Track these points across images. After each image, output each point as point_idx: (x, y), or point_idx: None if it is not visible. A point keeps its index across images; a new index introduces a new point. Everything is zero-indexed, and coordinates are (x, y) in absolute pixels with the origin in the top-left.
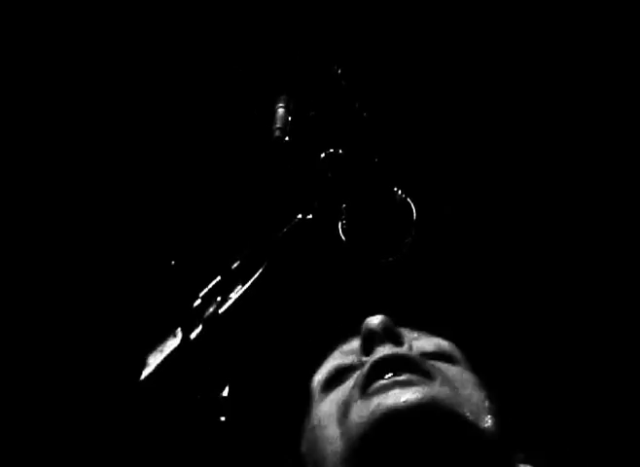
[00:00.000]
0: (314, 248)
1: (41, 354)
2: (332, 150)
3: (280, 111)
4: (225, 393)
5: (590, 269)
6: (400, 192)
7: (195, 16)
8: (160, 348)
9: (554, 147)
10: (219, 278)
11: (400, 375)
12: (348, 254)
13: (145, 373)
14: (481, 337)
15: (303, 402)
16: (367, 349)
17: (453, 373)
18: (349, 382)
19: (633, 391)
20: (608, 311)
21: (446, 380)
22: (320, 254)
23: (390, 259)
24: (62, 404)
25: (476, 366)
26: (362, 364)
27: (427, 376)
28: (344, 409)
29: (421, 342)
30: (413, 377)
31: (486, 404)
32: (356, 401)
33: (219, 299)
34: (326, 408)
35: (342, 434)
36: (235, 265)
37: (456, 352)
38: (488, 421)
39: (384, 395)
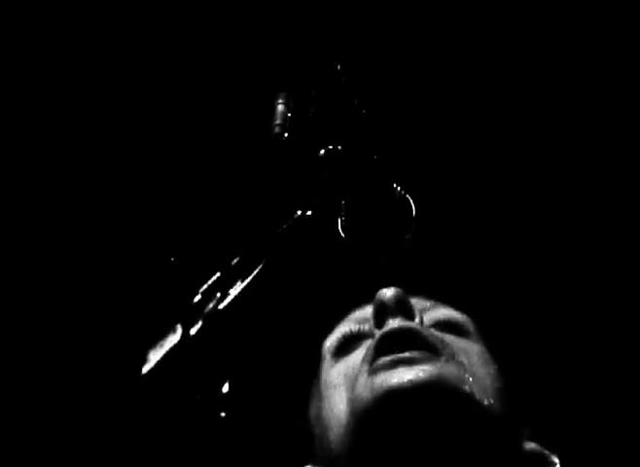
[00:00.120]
0: (314, 245)
1: (40, 350)
2: (331, 146)
3: (279, 107)
4: (225, 389)
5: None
6: (399, 188)
7: (194, 11)
8: (160, 344)
9: (557, 136)
10: (219, 274)
11: (406, 351)
12: (348, 250)
13: (145, 368)
14: (496, 309)
15: (314, 365)
16: (378, 322)
17: (462, 346)
18: (359, 352)
19: None
20: (619, 286)
21: (453, 356)
22: (320, 250)
23: (389, 256)
24: (63, 400)
25: (488, 338)
26: (373, 335)
27: (434, 351)
28: (352, 381)
29: (433, 313)
30: (419, 355)
31: (494, 379)
32: (363, 375)
33: (219, 294)
34: (334, 376)
35: (348, 406)
36: (235, 261)
37: (468, 323)
38: (495, 397)
39: (388, 373)
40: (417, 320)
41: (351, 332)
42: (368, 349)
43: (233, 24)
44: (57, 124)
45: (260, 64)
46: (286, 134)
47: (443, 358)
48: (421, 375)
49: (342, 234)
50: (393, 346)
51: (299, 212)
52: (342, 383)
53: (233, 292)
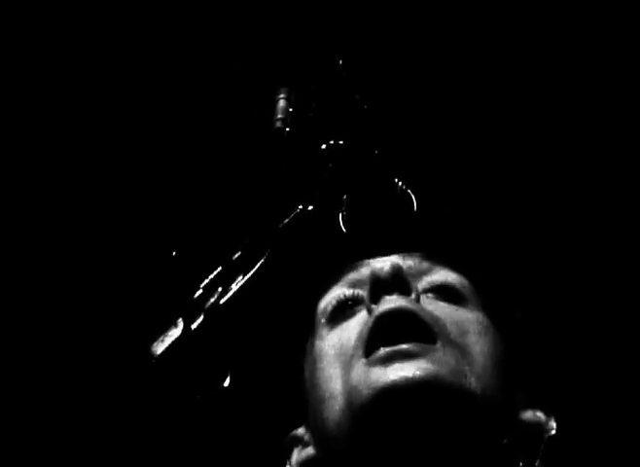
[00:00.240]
0: (315, 239)
1: (41, 348)
2: (332, 141)
3: (281, 102)
4: (226, 383)
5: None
6: (400, 183)
7: (195, 6)
8: (161, 338)
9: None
10: (220, 269)
11: (402, 343)
12: (349, 245)
13: (147, 363)
14: (495, 263)
15: (307, 326)
16: (374, 297)
17: (457, 318)
18: (353, 323)
19: None
20: (622, 243)
21: (449, 340)
22: (321, 245)
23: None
24: (63, 397)
25: (486, 295)
26: (369, 308)
27: (430, 338)
28: (347, 361)
29: (429, 277)
30: (415, 348)
31: (491, 353)
32: (358, 362)
33: (220, 289)
34: (329, 346)
35: (344, 393)
36: (236, 255)
37: (464, 287)
38: (492, 375)
39: (385, 369)
40: (414, 295)
41: (345, 296)
42: (362, 329)
43: (235, 20)
44: (58, 120)
45: (261, 60)
46: (287, 129)
47: (439, 346)
48: (418, 373)
49: (344, 229)
50: (389, 331)
51: (300, 207)
52: (337, 359)
53: (235, 287)
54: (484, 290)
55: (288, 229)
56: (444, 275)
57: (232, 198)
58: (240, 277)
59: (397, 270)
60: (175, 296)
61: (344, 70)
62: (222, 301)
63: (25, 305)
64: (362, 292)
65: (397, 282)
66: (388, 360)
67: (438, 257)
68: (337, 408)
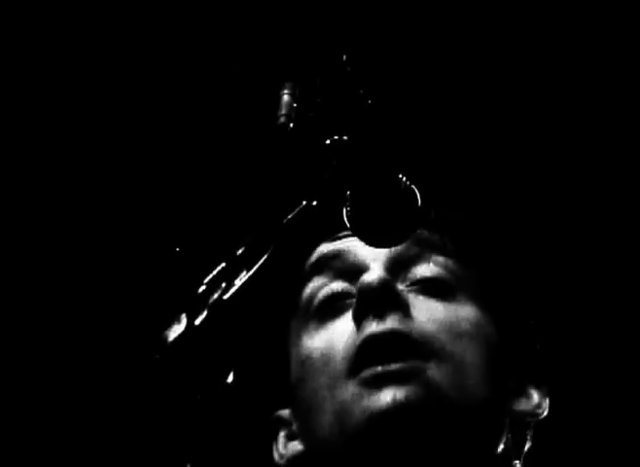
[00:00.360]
0: (318, 234)
1: (42, 341)
2: (336, 137)
3: (285, 97)
4: (229, 379)
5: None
6: (404, 179)
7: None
8: (164, 334)
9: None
10: (224, 264)
11: (392, 362)
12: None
13: (150, 359)
14: (487, 245)
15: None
16: (362, 312)
17: (447, 319)
18: (340, 325)
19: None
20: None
21: (442, 354)
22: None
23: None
24: (64, 396)
25: (477, 279)
26: (357, 322)
27: (422, 355)
28: (335, 376)
29: (418, 269)
30: (406, 368)
31: (485, 352)
32: (347, 380)
33: (224, 285)
34: (316, 352)
35: (333, 410)
36: (240, 251)
37: (455, 275)
38: (487, 376)
39: (377, 392)
40: (401, 312)
41: (332, 291)
42: (350, 345)
43: (240, 14)
44: (61, 112)
45: (265, 54)
46: (291, 124)
47: (432, 364)
48: (412, 397)
49: (348, 225)
50: (378, 350)
51: (304, 202)
52: (324, 371)
53: (238, 282)
54: (474, 271)
55: (292, 224)
56: (433, 263)
57: (236, 194)
58: (244, 273)
59: (386, 286)
60: (178, 291)
61: (349, 65)
62: (225, 296)
63: (25, 301)
64: (349, 286)
65: (386, 297)
66: (380, 382)
67: (426, 240)
68: (327, 425)
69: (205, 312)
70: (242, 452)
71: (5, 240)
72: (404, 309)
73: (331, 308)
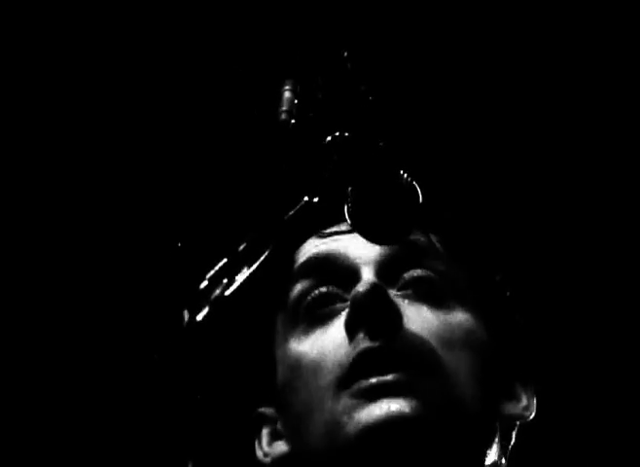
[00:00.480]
0: (320, 230)
1: (42, 338)
2: (338, 133)
3: (286, 94)
4: (230, 376)
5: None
6: (406, 175)
7: None
8: (166, 330)
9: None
10: (225, 260)
11: (386, 374)
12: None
13: (153, 355)
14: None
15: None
16: (355, 323)
17: (442, 330)
18: (331, 333)
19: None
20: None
21: (436, 365)
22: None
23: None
24: (64, 396)
25: (469, 276)
26: (350, 332)
27: (415, 368)
28: (326, 387)
29: (411, 273)
30: (400, 380)
31: (478, 360)
32: (339, 392)
33: (225, 281)
34: (305, 359)
35: (324, 421)
36: (242, 247)
37: (445, 279)
38: (480, 384)
39: (370, 405)
40: (395, 312)
41: (320, 293)
42: (342, 357)
43: (241, 12)
44: (61, 111)
45: (267, 51)
46: (293, 121)
47: (426, 375)
48: (406, 410)
49: (349, 221)
50: (373, 366)
51: (305, 199)
52: (314, 380)
53: (240, 278)
54: (464, 272)
55: (293, 220)
56: (423, 266)
57: (238, 190)
58: (246, 269)
59: (379, 296)
60: (180, 287)
61: (350, 62)
62: (227, 292)
63: (25, 301)
64: (339, 290)
65: (379, 309)
66: (373, 394)
67: (416, 242)
68: (317, 435)
69: (207, 308)
70: (224, 448)
71: (5, 236)
72: (396, 321)
73: (321, 313)
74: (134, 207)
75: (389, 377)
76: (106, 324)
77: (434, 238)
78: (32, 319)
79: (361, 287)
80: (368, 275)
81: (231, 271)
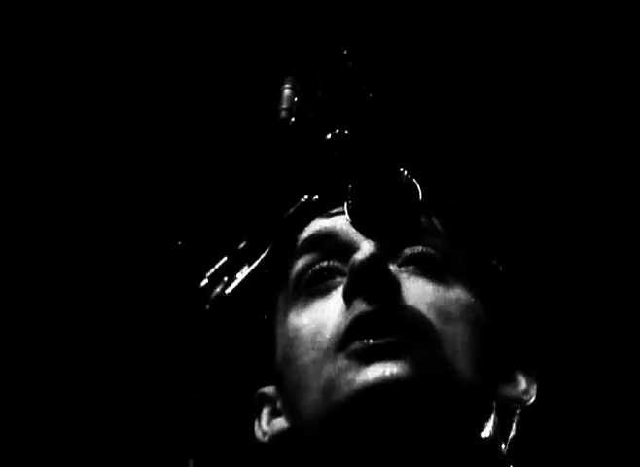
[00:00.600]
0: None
1: (41, 345)
2: (338, 131)
3: (286, 92)
4: (231, 374)
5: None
6: (406, 173)
7: None
8: (167, 328)
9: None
10: (225, 259)
11: (380, 337)
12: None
13: (154, 354)
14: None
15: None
16: (353, 290)
17: (439, 303)
18: (330, 304)
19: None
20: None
21: (431, 334)
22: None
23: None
24: (65, 396)
25: (469, 257)
26: (347, 300)
27: (411, 333)
28: (323, 351)
29: (408, 250)
30: (395, 343)
31: (474, 334)
32: (335, 354)
33: (226, 279)
34: (304, 329)
35: (320, 384)
36: (242, 245)
37: (445, 257)
38: (475, 359)
39: (365, 367)
40: (393, 281)
41: (321, 267)
42: (340, 323)
43: (240, 9)
44: (61, 111)
45: (267, 49)
46: (293, 119)
47: (421, 341)
48: (399, 373)
49: (349, 219)
50: (369, 328)
51: (305, 197)
52: (312, 348)
53: (240, 276)
54: (464, 253)
55: (293, 218)
56: (424, 243)
57: (238, 188)
58: (246, 267)
59: (377, 264)
60: (181, 285)
61: (349, 59)
62: (227, 290)
63: (25, 300)
64: (340, 264)
65: (377, 275)
66: (367, 356)
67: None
68: (313, 401)
69: (207, 306)
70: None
71: (6, 234)
72: (394, 289)
73: (320, 286)
74: (134, 207)
75: (384, 340)
76: (106, 323)
77: (436, 221)
78: (33, 318)
79: (359, 255)
80: (367, 246)
81: (231, 270)
